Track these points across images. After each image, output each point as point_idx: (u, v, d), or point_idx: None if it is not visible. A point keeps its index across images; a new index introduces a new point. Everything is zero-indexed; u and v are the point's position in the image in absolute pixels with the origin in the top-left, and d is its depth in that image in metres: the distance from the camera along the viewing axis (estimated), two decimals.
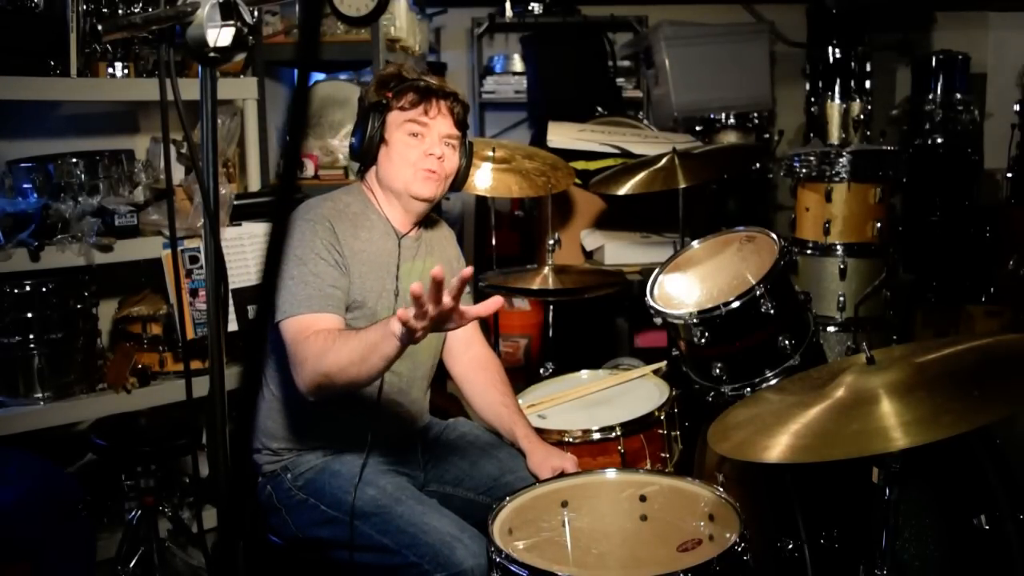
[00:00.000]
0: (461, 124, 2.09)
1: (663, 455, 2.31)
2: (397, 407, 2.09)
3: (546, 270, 3.02)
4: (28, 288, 2.61)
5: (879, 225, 3.16)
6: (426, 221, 2.18)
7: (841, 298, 3.15)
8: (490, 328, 3.66)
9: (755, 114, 4.47)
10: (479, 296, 4.28)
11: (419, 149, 2.03)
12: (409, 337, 1.67)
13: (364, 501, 1.90)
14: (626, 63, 4.80)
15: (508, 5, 4.72)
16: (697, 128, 4.39)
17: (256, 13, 1.52)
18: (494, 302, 1.71)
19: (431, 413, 2.26)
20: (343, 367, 1.79)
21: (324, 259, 1.94)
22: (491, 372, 2.23)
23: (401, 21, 3.68)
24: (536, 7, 4.68)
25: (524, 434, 2.11)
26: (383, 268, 2.05)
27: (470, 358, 2.24)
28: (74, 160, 2.75)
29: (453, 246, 2.29)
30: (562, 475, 1.98)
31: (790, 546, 2.07)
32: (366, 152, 2.04)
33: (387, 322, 1.74)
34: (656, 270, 2.51)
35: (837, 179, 3.15)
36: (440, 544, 1.80)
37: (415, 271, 2.10)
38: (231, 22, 1.43)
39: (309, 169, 3.42)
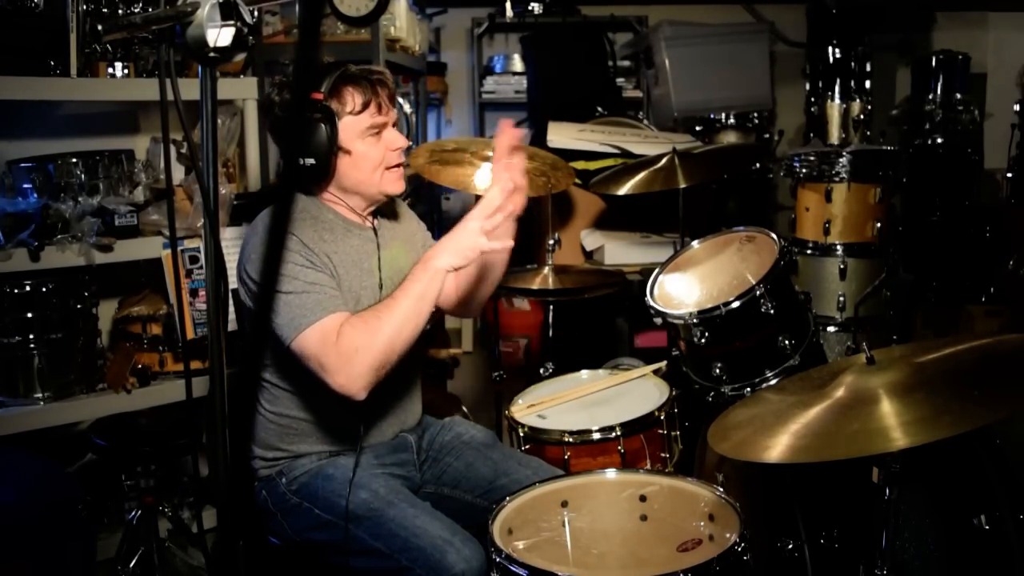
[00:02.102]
0: (395, 101, 2.06)
1: (663, 455, 2.31)
2: (389, 407, 2.08)
3: (546, 270, 3.02)
4: (28, 288, 2.61)
5: (879, 225, 3.16)
6: (380, 208, 2.13)
7: (841, 298, 3.15)
8: (490, 328, 3.66)
9: (755, 114, 4.47)
10: None
11: (381, 147, 1.99)
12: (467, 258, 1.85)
13: (357, 504, 1.89)
14: (626, 63, 4.81)
15: (508, 5, 4.73)
16: (697, 128, 4.39)
17: (256, 13, 1.52)
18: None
19: (429, 413, 2.25)
20: (398, 330, 1.83)
21: (310, 268, 1.90)
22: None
23: (401, 21, 3.69)
24: (536, 7, 4.69)
25: None
26: (356, 265, 2.02)
27: (456, 289, 2.22)
28: (74, 160, 2.75)
29: (411, 219, 2.24)
30: (562, 477, 1.98)
31: (790, 546, 2.07)
32: (324, 169, 1.93)
33: (424, 266, 1.86)
34: (656, 270, 2.51)
35: (837, 179, 3.14)
36: (431, 548, 1.79)
37: (386, 260, 2.07)
38: (231, 22, 1.43)
39: None
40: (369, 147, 1.97)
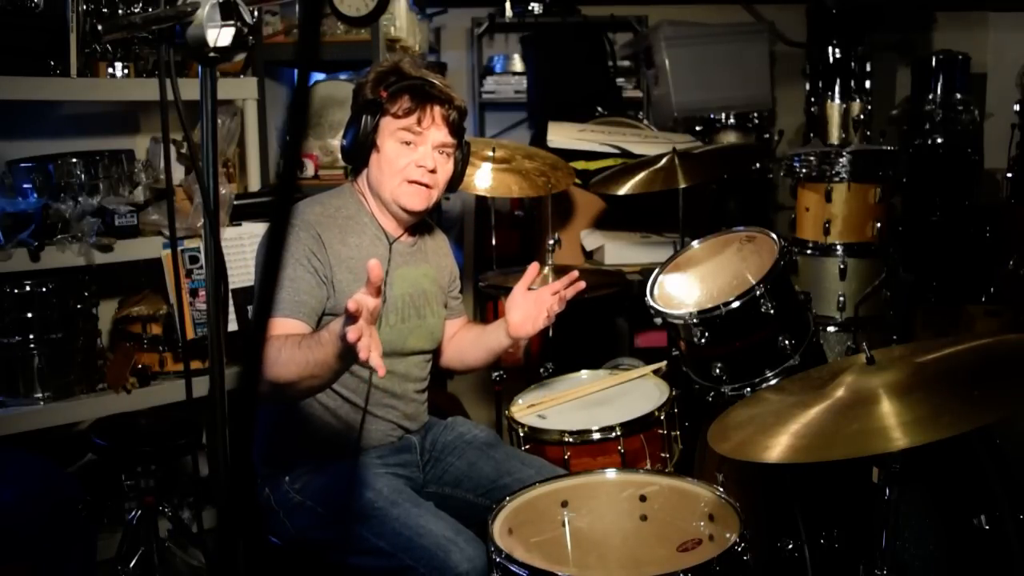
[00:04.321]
0: (457, 130, 2.05)
1: (663, 455, 2.31)
2: (392, 409, 2.08)
3: (546, 270, 3.01)
4: (28, 288, 2.61)
5: (879, 225, 3.16)
6: (421, 227, 2.17)
7: (841, 298, 3.15)
8: None
9: (755, 114, 4.46)
10: (478, 296, 4.28)
11: (409, 158, 2.00)
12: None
13: (361, 504, 1.89)
14: (626, 63, 4.80)
15: (508, 5, 4.71)
16: (697, 128, 4.38)
17: (256, 13, 1.52)
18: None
19: (431, 413, 2.25)
20: (294, 379, 1.72)
21: (303, 266, 1.91)
22: (463, 329, 2.30)
23: (401, 21, 3.68)
24: (536, 7, 4.68)
25: (494, 326, 2.20)
26: None
27: (454, 342, 2.29)
28: (74, 160, 2.75)
29: (447, 255, 2.27)
30: (562, 477, 1.98)
31: (790, 546, 2.07)
32: (356, 154, 2.02)
33: (339, 339, 1.64)
34: (656, 270, 2.51)
35: (837, 179, 3.14)
36: (435, 548, 1.79)
37: (408, 278, 2.07)
38: (231, 22, 1.43)
39: (309, 169, 3.43)
40: (396, 152, 1.99)
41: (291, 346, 1.75)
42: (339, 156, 3.42)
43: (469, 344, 2.26)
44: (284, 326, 1.85)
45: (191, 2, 1.42)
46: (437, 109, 2.00)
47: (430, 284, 2.14)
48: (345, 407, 2.01)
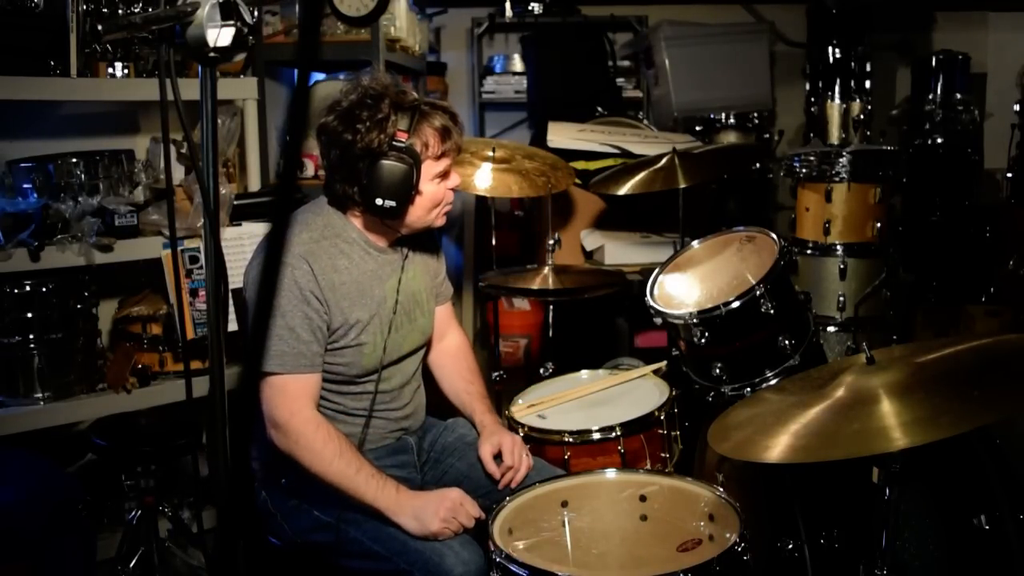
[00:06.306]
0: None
1: (663, 455, 2.31)
2: (390, 413, 2.08)
3: (546, 270, 3.01)
4: (28, 288, 2.61)
5: (879, 225, 3.16)
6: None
7: (841, 298, 3.15)
8: (490, 328, 3.65)
9: (755, 114, 4.46)
10: (478, 296, 4.28)
11: (443, 188, 1.99)
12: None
13: (356, 507, 1.89)
14: (626, 63, 4.80)
15: (508, 5, 4.71)
16: (697, 128, 4.38)
17: (256, 13, 1.52)
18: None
19: (429, 414, 2.25)
20: (322, 479, 1.87)
21: (303, 311, 1.87)
22: (459, 360, 2.27)
23: (401, 21, 3.69)
24: (536, 7, 4.68)
25: (479, 418, 2.16)
26: (367, 292, 1.99)
27: (443, 347, 2.28)
28: (74, 160, 2.75)
29: (433, 243, 2.23)
30: (562, 477, 1.98)
31: (790, 546, 2.07)
32: (399, 209, 1.91)
33: (390, 504, 1.84)
34: (656, 270, 2.51)
35: (837, 179, 3.14)
36: (430, 551, 1.79)
37: (403, 282, 2.06)
38: (231, 22, 1.43)
39: (309, 169, 3.43)
40: (435, 187, 1.98)
41: (345, 462, 1.85)
42: None
43: (451, 385, 2.26)
44: (291, 383, 1.86)
45: (191, 2, 1.42)
46: (455, 134, 1.99)
47: (419, 283, 2.12)
48: (346, 412, 2.01)
